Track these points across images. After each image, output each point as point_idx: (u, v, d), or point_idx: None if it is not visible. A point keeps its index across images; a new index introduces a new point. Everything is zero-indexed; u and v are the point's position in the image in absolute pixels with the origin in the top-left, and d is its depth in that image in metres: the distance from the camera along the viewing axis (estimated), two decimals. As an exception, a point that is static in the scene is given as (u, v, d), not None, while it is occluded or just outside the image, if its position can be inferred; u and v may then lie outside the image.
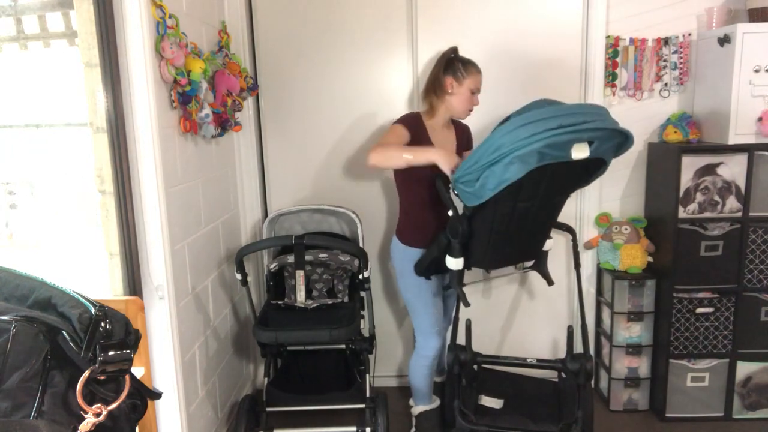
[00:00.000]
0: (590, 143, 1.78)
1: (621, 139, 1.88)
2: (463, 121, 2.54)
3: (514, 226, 2.04)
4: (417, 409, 2.62)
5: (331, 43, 2.84)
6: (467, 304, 2.23)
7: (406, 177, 2.36)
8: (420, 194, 2.36)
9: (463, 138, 2.54)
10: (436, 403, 2.65)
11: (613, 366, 2.81)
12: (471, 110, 2.39)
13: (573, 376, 2.41)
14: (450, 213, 2.13)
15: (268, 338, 2.33)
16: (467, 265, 2.19)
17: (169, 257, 1.99)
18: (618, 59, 2.79)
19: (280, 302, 2.64)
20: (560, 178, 1.94)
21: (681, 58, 2.77)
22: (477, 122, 2.81)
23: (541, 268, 2.48)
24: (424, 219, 2.38)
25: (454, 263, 2.14)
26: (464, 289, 2.27)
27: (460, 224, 2.07)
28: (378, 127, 2.90)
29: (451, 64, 2.33)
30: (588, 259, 2.97)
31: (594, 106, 1.92)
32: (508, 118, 1.95)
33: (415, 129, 2.31)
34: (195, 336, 2.27)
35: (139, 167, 1.88)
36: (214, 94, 2.32)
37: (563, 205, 2.21)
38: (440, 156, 2.06)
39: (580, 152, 1.77)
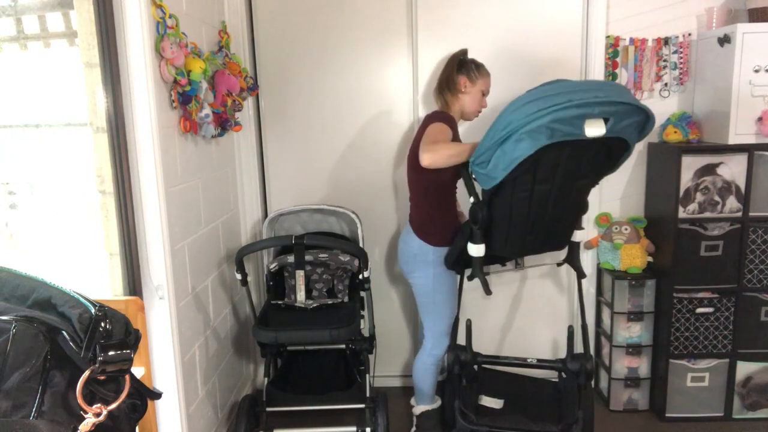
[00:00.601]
0: (606, 120, 1.71)
1: (641, 117, 1.78)
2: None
3: (534, 211, 1.98)
4: (419, 408, 2.62)
5: (331, 43, 2.84)
6: (489, 292, 2.18)
7: (442, 178, 2.29)
8: (452, 194, 2.38)
9: None
10: (438, 403, 2.65)
11: (613, 366, 2.81)
12: (480, 112, 2.43)
13: (573, 376, 2.41)
14: (471, 200, 2.09)
15: (268, 338, 2.33)
16: (489, 252, 2.14)
17: (169, 257, 1.99)
18: (618, 59, 2.79)
19: (280, 302, 2.64)
20: (579, 160, 1.86)
21: (681, 58, 2.77)
22: (479, 123, 2.81)
23: (573, 260, 2.41)
24: (454, 217, 2.39)
25: (475, 249, 2.10)
26: (469, 284, 2.27)
27: (480, 210, 2.04)
28: (378, 127, 2.90)
29: (465, 65, 2.38)
30: (588, 259, 2.97)
31: (612, 84, 1.84)
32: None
33: (453, 126, 2.31)
34: (195, 336, 2.27)
35: (139, 167, 1.88)
36: (214, 94, 2.32)
37: (588, 192, 2.14)
38: None
39: (594, 129, 1.69)
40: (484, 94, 2.40)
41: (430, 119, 2.31)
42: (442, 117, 2.30)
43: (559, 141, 1.72)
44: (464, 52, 2.43)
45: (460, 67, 2.37)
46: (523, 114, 1.70)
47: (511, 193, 1.94)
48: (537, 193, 1.93)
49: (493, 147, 1.80)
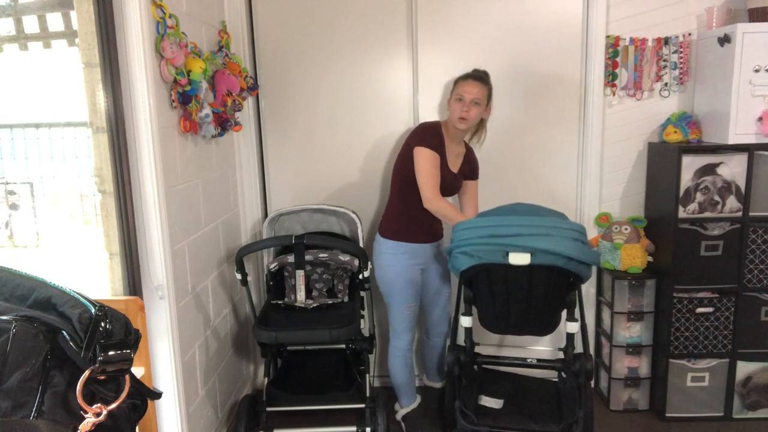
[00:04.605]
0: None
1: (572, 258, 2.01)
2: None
3: (512, 299, 2.20)
4: (401, 412, 2.66)
5: (331, 43, 2.84)
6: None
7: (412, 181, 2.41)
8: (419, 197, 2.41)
9: (468, 165, 2.59)
10: (418, 400, 2.69)
11: (613, 366, 2.81)
12: (462, 119, 2.39)
13: (573, 375, 2.41)
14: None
15: (268, 338, 2.33)
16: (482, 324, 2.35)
17: (169, 257, 1.99)
18: (618, 59, 2.79)
19: (280, 302, 2.64)
20: (525, 276, 2.10)
21: (681, 58, 2.77)
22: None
23: (566, 349, 2.41)
24: (416, 219, 2.45)
25: (464, 321, 2.33)
26: None
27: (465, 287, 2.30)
28: (378, 126, 2.90)
29: (454, 82, 2.47)
30: (588, 259, 2.97)
31: (549, 219, 2.09)
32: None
33: (439, 148, 2.39)
34: (195, 336, 2.27)
35: (139, 167, 1.88)
36: (214, 93, 2.32)
37: (558, 302, 2.23)
38: None
39: (518, 259, 2.01)
40: (459, 99, 2.39)
41: (416, 137, 2.40)
42: (428, 140, 2.37)
43: (492, 262, 2.05)
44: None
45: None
46: (460, 237, 2.11)
47: (488, 283, 2.18)
48: (505, 292, 2.18)
49: (448, 250, 2.19)
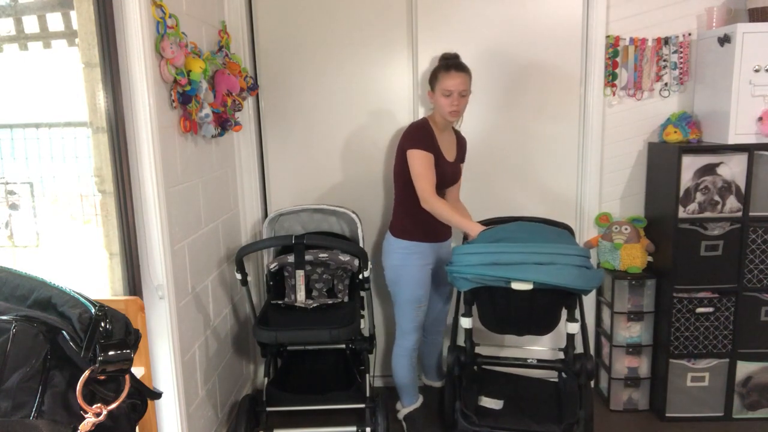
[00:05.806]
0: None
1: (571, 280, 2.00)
2: (464, 129, 2.62)
3: (513, 304, 2.19)
4: (402, 412, 2.65)
5: (331, 43, 2.84)
6: None
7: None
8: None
9: (461, 150, 2.60)
10: (420, 400, 2.69)
11: (613, 366, 2.81)
12: (453, 112, 2.37)
13: (574, 376, 2.41)
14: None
15: (268, 338, 2.33)
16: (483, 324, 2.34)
17: (169, 257, 1.98)
18: (618, 59, 2.79)
19: (280, 302, 2.64)
20: (523, 293, 2.07)
21: (681, 57, 2.77)
22: (481, 122, 2.81)
23: (566, 350, 2.43)
24: (424, 214, 2.42)
25: (464, 322, 2.36)
26: None
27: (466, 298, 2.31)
28: (378, 126, 2.90)
29: (432, 74, 2.42)
30: (588, 259, 2.97)
31: (553, 246, 2.06)
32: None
33: (431, 146, 2.37)
34: (195, 336, 2.27)
35: (139, 167, 1.88)
36: (214, 93, 2.31)
37: (557, 307, 2.23)
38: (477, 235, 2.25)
39: (521, 285, 2.02)
40: (447, 94, 2.35)
41: (407, 139, 2.39)
42: (419, 140, 2.36)
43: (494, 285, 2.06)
44: (442, 56, 2.45)
45: (430, 78, 2.44)
46: (462, 261, 2.08)
47: (489, 295, 2.19)
48: (506, 300, 2.17)
49: (448, 272, 2.15)
